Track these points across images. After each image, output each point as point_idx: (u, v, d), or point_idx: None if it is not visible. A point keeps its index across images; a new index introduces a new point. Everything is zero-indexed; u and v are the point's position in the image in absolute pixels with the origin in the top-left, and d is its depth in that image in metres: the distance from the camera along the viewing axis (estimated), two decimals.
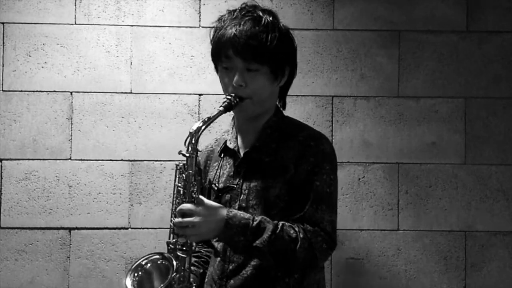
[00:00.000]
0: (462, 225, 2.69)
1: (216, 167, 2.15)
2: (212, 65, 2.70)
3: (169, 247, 1.98)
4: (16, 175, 2.66)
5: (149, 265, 2.01)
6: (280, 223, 1.96)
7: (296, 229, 1.96)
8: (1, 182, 2.66)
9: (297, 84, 2.70)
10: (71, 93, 2.69)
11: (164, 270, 1.97)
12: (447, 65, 2.72)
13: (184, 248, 1.96)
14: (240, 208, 2.00)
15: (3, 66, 2.69)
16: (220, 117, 2.02)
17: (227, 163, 2.13)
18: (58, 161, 2.67)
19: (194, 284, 2.07)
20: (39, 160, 2.67)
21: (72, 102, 2.69)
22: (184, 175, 1.98)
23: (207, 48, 2.70)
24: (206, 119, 1.99)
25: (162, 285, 1.94)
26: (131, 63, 2.71)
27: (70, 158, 2.68)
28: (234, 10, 2.08)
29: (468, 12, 2.73)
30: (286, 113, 2.68)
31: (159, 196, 2.67)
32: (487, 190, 2.70)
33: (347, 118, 2.71)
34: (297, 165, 2.03)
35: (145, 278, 1.99)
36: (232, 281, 2.02)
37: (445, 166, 2.70)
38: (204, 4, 2.72)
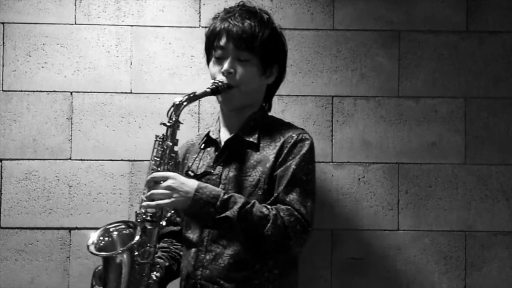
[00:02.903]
0: (462, 225, 2.69)
1: (195, 158, 2.15)
2: None
3: (137, 218, 1.98)
4: (16, 175, 2.66)
5: (115, 233, 1.99)
6: (253, 200, 1.96)
7: (269, 207, 1.95)
8: (1, 182, 2.66)
9: (297, 84, 2.70)
10: (71, 93, 2.69)
11: (127, 240, 1.95)
12: (447, 65, 2.72)
13: (153, 220, 1.95)
14: None
15: (3, 66, 2.69)
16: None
17: (207, 155, 2.14)
18: (58, 161, 2.67)
19: (158, 265, 2.07)
20: (39, 160, 2.67)
21: (72, 102, 2.69)
22: (162, 146, 1.99)
23: None
24: (191, 95, 2.02)
25: (121, 248, 1.92)
26: (131, 63, 2.71)
27: (70, 158, 2.68)
28: (231, 7, 2.12)
29: (468, 12, 2.73)
30: (286, 113, 2.69)
31: None
32: (487, 190, 2.69)
33: (347, 118, 2.71)
34: (278, 155, 2.04)
35: (109, 247, 1.97)
36: (208, 271, 2.01)
37: (445, 166, 2.70)
38: (204, 4, 2.72)
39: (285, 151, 2.04)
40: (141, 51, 2.71)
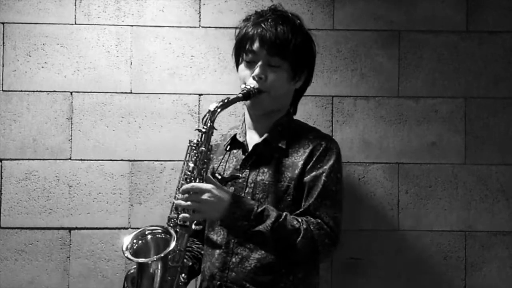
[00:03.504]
0: (462, 225, 2.69)
1: (221, 160, 2.17)
2: (212, 65, 2.72)
3: (169, 222, 2.00)
4: (16, 175, 2.66)
5: (149, 236, 2.02)
6: (284, 213, 1.98)
7: (300, 220, 1.98)
8: (1, 182, 2.66)
9: None
10: (71, 93, 2.69)
11: (162, 245, 1.97)
12: (447, 65, 2.72)
13: (185, 224, 1.97)
14: None
15: (3, 66, 2.69)
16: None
17: (233, 157, 2.15)
18: (58, 161, 2.67)
19: (188, 263, 2.08)
20: (39, 160, 2.67)
21: (72, 102, 2.69)
22: (196, 151, 2.01)
23: (207, 48, 2.71)
24: (225, 100, 2.04)
25: (156, 256, 1.94)
26: (131, 63, 2.71)
27: (70, 158, 2.68)
28: (263, 11, 2.14)
29: (468, 12, 2.73)
30: None
31: (159, 196, 2.67)
32: (487, 190, 2.69)
33: (347, 118, 2.71)
34: (306, 162, 2.06)
35: (143, 250, 2.00)
36: (234, 273, 2.02)
37: (445, 166, 2.70)
38: (204, 4, 2.72)
39: (314, 159, 2.06)
40: (141, 51, 2.71)
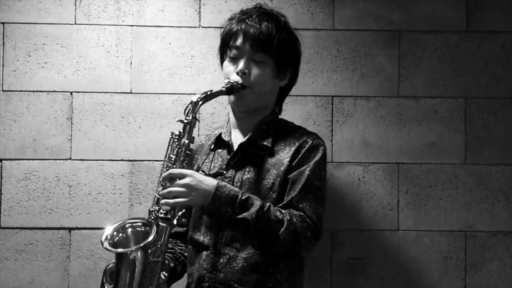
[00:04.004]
0: (462, 225, 2.69)
1: (205, 159, 2.16)
2: (212, 65, 2.72)
3: (150, 215, 1.98)
4: (16, 175, 2.66)
5: (130, 230, 1.99)
6: (268, 203, 1.97)
7: (283, 211, 1.98)
8: (1, 182, 2.66)
9: (297, 84, 2.70)
10: (71, 93, 2.69)
11: (141, 238, 1.95)
12: (447, 65, 2.72)
13: (167, 217, 1.95)
14: None
15: (3, 66, 2.69)
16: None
17: (218, 157, 2.14)
18: (58, 161, 2.67)
19: (170, 264, 2.07)
20: (39, 160, 2.67)
21: (72, 102, 2.69)
22: (178, 143, 2.00)
23: (207, 48, 2.71)
24: (208, 92, 2.04)
25: (135, 246, 1.92)
26: (131, 63, 2.71)
27: (70, 158, 2.68)
28: (248, 8, 2.15)
29: (468, 12, 2.73)
30: (286, 113, 2.69)
31: None
32: (487, 190, 2.69)
33: (347, 118, 2.71)
34: (292, 159, 2.06)
35: (122, 243, 1.97)
36: (222, 274, 2.02)
37: (445, 166, 2.70)
38: (204, 4, 2.72)
39: (300, 156, 2.05)
40: (141, 51, 2.71)
